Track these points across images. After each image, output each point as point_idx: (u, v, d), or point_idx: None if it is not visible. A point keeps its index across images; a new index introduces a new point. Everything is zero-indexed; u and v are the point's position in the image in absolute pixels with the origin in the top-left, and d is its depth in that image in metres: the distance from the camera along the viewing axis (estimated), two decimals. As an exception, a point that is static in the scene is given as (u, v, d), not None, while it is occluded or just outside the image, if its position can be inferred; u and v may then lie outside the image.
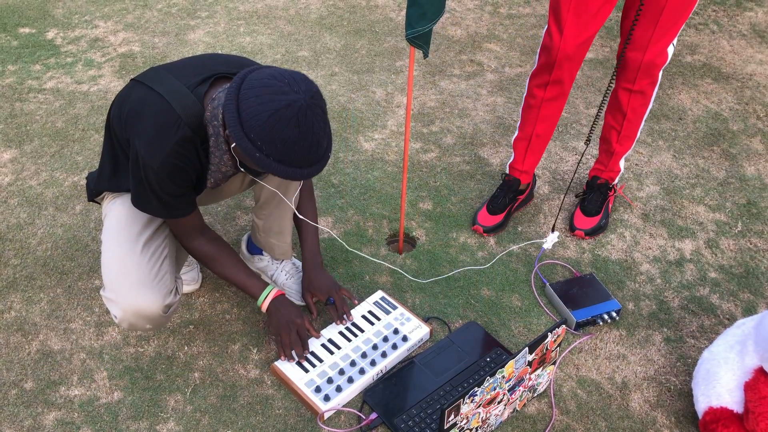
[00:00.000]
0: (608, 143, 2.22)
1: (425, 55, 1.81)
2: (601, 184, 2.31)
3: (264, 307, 1.76)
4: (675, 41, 1.94)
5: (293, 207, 1.82)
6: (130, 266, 1.59)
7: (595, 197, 2.29)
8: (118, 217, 1.65)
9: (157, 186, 1.49)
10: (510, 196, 2.29)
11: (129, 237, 1.62)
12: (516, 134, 2.24)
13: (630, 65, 1.97)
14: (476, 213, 2.31)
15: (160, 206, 1.54)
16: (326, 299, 1.87)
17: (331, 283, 1.89)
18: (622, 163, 2.29)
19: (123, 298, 1.59)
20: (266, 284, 1.77)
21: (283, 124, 1.34)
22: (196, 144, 1.49)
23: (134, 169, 1.50)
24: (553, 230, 2.15)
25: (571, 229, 2.27)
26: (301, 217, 1.86)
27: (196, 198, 1.63)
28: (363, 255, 2.15)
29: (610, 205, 2.35)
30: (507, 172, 2.32)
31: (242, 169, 1.57)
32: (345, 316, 1.89)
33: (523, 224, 2.31)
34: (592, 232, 2.26)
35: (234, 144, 1.42)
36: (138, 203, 1.57)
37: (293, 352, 1.78)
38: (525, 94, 2.14)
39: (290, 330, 1.77)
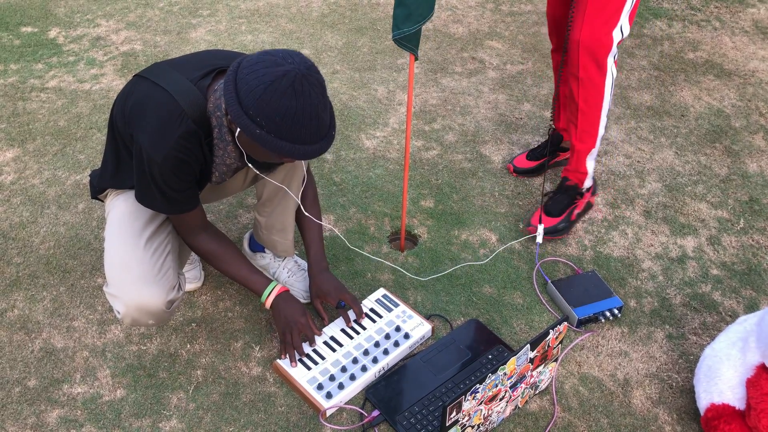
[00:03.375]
0: (570, 139, 2.16)
1: (415, 57, 1.80)
2: (569, 186, 2.23)
3: (268, 304, 1.76)
4: (623, 28, 1.90)
5: (298, 199, 1.82)
6: (133, 262, 1.60)
7: (560, 198, 2.22)
8: (121, 213, 1.65)
9: (161, 180, 1.49)
10: (551, 149, 2.40)
11: (132, 233, 1.62)
12: (552, 93, 2.36)
13: (569, 46, 1.93)
14: (516, 156, 2.48)
15: (164, 201, 1.55)
16: (337, 302, 1.87)
17: (339, 286, 1.88)
18: (589, 165, 2.18)
19: (126, 294, 1.59)
20: (269, 280, 1.77)
21: (279, 95, 1.33)
22: (200, 137, 1.49)
23: (138, 163, 1.51)
24: (540, 222, 2.15)
25: (527, 224, 2.22)
26: (306, 213, 1.86)
27: (199, 194, 1.63)
28: (364, 253, 2.16)
29: (576, 211, 2.23)
30: (553, 126, 2.41)
31: (249, 164, 1.57)
32: (358, 315, 1.89)
33: (525, 222, 2.31)
34: (548, 232, 2.17)
35: (238, 131, 1.42)
36: (142, 199, 1.57)
37: (296, 353, 1.78)
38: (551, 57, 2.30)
39: (294, 330, 1.77)
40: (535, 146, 2.51)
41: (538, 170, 2.46)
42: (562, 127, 2.40)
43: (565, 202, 2.22)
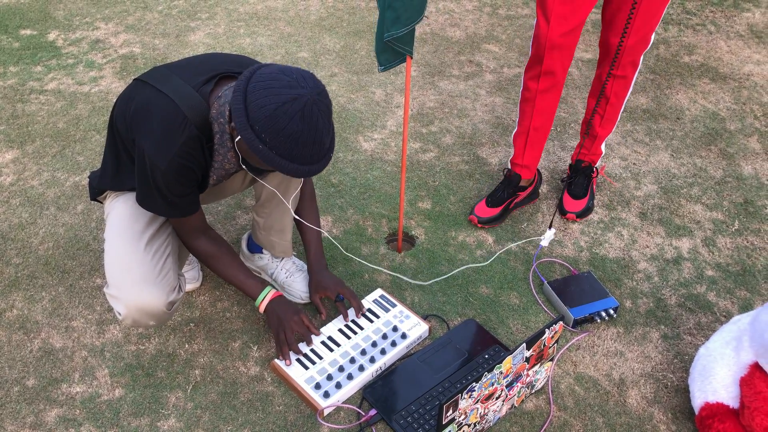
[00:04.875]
0: (591, 127, 2.30)
1: (411, 55, 1.82)
2: (585, 168, 2.38)
3: (262, 308, 1.78)
4: (657, 28, 2.08)
5: (290, 206, 1.83)
6: (133, 263, 1.61)
7: (580, 180, 2.38)
8: (121, 215, 1.66)
9: (164, 186, 1.50)
10: (509, 191, 2.33)
11: (132, 234, 1.63)
12: (515, 129, 2.30)
13: (614, 51, 2.07)
14: (475, 205, 2.36)
15: (166, 205, 1.56)
16: (335, 296, 1.89)
17: (338, 281, 1.91)
18: (603, 147, 2.38)
19: (127, 295, 1.60)
20: (265, 285, 1.78)
21: (288, 118, 1.35)
22: (202, 143, 1.50)
23: (140, 169, 1.52)
24: (550, 227, 2.16)
25: (562, 213, 2.34)
26: (298, 219, 1.88)
27: (199, 198, 1.64)
28: (359, 260, 2.17)
29: (594, 187, 2.44)
30: (509, 167, 2.37)
31: (244, 167, 1.59)
32: (357, 310, 1.91)
33: (521, 222, 2.32)
34: (582, 214, 2.34)
35: (238, 138, 1.43)
36: (143, 203, 1.58)
37: (291, 353, 1.79)
38: (521, 88, 2.20)
39: (286, 329, 1.78)
40: (492, 191, 2.36)
41: (503, 216, 2.32)
42: (525, 164, 2.31)
43: (585, 183, 2.37)
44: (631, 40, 2.02)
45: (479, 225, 2.30)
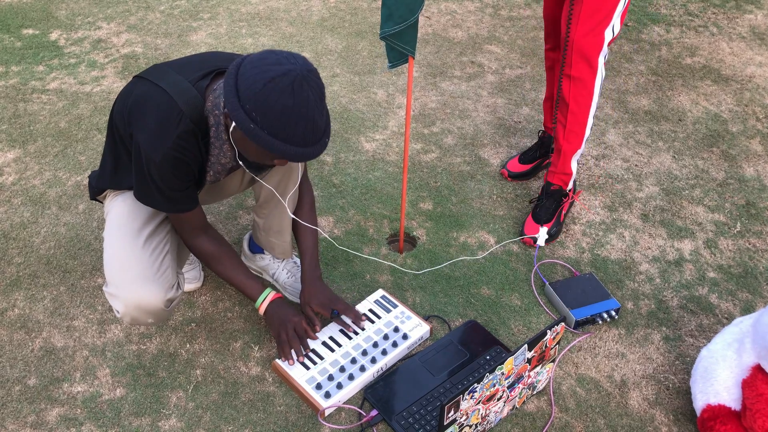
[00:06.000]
0: (556, 140, 2.19)
1: (413, 55, 1.82)
2: (554, 191, 2.25)
3: (261, 310, 1.78)
4: (615, 28, 1.95)
5: (286, 204, 1.82)
6: (131, 261, 1.61)
7: (547, 204, 2.24)
8: (120, 213, 1.66)
9: (159, 179, 1.50)
10: (542, 151, 2.47)
11: (131, 232, 1.63)
12: (544, 95, 2.44)
13: (566, 45, 1.98)
14: (508, 160, 2.52)
15: (163, 200, 1.56)
16: (330, 313, 1.88)
17: (331, 296, 1.88)
18: (573, 165, 2.22)
19: (125, 293, 1.60)
20: (264, 287, 1.78)
21: (277, 93, 1.34)
22: (197, 137, 1.50)
23: (136, 162, 1.52)
24: (542, 226, 2.16)
25: (520, 234, 2.25)
26: (294, 217, 1.86)
27: (198, 194, 1.64)
28: (359, 254, 2.17)
29: (563, 213, 2.27)
30: (543, 129, 2.50)
31: (240, 162, 1.58)
32: (356, 319, 1.88)
33: (522, 224, 2.32)
34: (547, 239, 2.21)
35: (233, 125, 1.43)
36: (141, 197, 1.58)
37: (293, 353, 1.78)
38: (544, 57, 2.33)
39: (287, 329, 1.78)
40: (527, 149, 2.55)
41: (532, 173, 2.50)
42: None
43: (552, 207, 2.24)
44: (578, 33, 1.92)
45: (509, 179, 2.47)
